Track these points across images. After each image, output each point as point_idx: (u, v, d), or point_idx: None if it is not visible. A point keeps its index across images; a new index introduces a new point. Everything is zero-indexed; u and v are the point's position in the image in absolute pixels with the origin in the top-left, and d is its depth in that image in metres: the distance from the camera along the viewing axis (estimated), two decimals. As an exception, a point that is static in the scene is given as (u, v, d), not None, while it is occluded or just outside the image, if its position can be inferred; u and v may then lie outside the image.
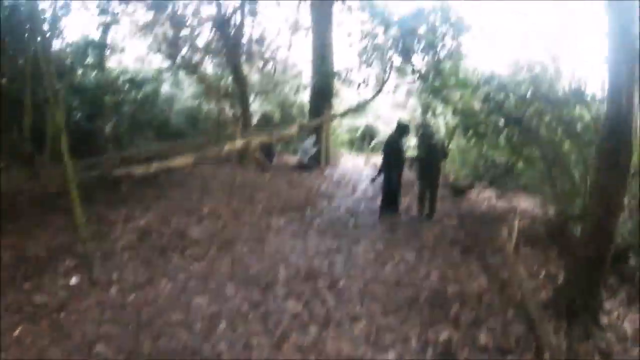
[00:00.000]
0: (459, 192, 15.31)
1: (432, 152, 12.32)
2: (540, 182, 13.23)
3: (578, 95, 10.90)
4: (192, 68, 17.61)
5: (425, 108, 16.79)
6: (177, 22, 17.17)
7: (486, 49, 16.53)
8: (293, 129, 15.43)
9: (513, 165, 14.22)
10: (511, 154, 13.80)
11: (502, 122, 12.54)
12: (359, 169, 19.32)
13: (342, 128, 23.70)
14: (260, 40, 18.57)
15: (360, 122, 25.86)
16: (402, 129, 12.75)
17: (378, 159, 21.51)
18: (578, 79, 11.28)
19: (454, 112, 14.60)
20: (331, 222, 11.67)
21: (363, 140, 26.22)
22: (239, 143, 11.69)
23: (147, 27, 17.63)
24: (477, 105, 13.58)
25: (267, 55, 18.92)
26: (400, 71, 17.85)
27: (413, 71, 16.48)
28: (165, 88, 18.98)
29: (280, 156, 19.32)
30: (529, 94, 11.69)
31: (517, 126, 12.15)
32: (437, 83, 15.20)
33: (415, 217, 12.59)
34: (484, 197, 15.25)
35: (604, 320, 7.57)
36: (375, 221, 12.14)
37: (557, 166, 11.71)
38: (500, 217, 12.68)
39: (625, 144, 7.04)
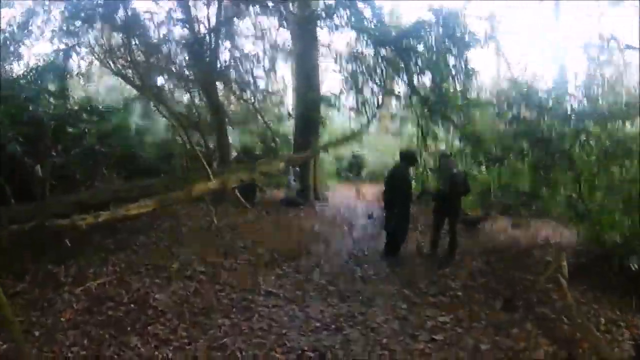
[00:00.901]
0: (471, 224, 12.61)
1: (453, 186, 9.96)
2: (569, 208, 11.02)
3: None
4: (162, 97, 14.60)
5: (425, 134, 13.96)
6: (148, 46, 14.40)
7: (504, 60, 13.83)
8: (279, 164, 12.55)
9: (535, 191, 11.51)
10: (535, 179, 11.10)
11: (526, 145, 9.77)
12: (351, 202, 16.62)
13: (327, 158, 20.83)
14: (238, 65, 15.75)
15: (347, 151, 23.18)
16: (408, 159, 10.38)
17: (370, 190, 19.08)
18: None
19: (464, 137, 11.83)
20: (334, 275, 8.83)
21: (350, 170, 23.64)
22: (213, 183, 8.83)
23: (114, 52, 14.69)
24: (494, 127, 10.92)
25: (245, 81, 16.05)
26: (395, 95, 15.07)
27: (412, 95, 13.70)
28: (136, 119, 16.01)
29: (262, 191, 16.48)
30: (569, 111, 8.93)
31: (545, 148, 9.46)
32: (439, 106, 12.49)
33: (429, 258, 10.14)
34: (500, 228, 12.71)
35: None
36: (386, 268, 9.40)
37: (594, 189, 9.86)
38: (527, 251, 10.78)
39: None
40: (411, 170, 11.15)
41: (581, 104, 8.85)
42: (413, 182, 13.16)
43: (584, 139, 9.19)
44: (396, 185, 9.92)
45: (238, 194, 10.43)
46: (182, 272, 8.26)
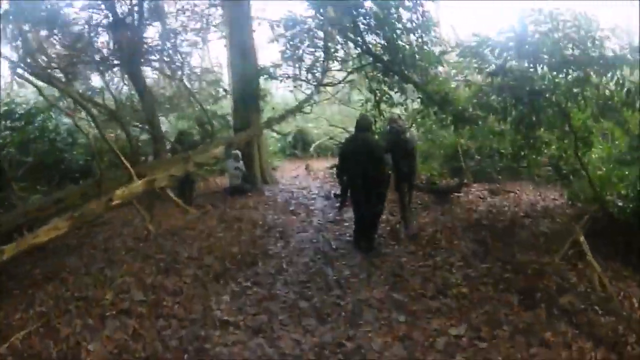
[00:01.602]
0: (442, 194, 11.04)
1: (407, 150, 8.86)
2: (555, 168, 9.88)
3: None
4: (71, 89, 12.28)
5: (378, 100, 12.11)
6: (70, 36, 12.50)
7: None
8: (216, 149, 10.51)
9: (517, 153, 9.96)
10: (516, 140, 9.53)
11: (509, 100, 8.11)
12: (303, 181, 14.80)
13: (270, 135, 18.84)
14: (166, 43, 13.63)
15: (290, 126, 21.29)
16: (365, 125, 8.26)
17: (320, 165, 17.28)
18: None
19: (426, 97, 10.11)
20: (303, 284, 6.89)
21: (295, 146, 21.76)
22: (136, 185, 6.81)
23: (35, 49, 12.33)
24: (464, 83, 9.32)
25: (175, 60, 13.94)
26: (340, 59, 13.18)
27: (362, 55, 11.82)
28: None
29: (206, 180, 14.50)
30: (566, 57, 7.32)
31: (531, 103, 7.79)
32: (395, 65, 10.68)
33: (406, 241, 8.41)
34: (476, 197, 11.09)
35: None
36: (363, 265, 7.47)
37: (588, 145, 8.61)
38: (517, 222, 9.20)
39: None
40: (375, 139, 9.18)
41: (580, 49, 7.14)
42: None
43: (578, 90, 7.56)
44: (369, 159, 7.81)
45: (171, 193, 8.42)
46: (118, 305, 6.22)
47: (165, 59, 14.23)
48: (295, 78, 13.36)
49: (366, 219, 8.08)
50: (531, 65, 7.63)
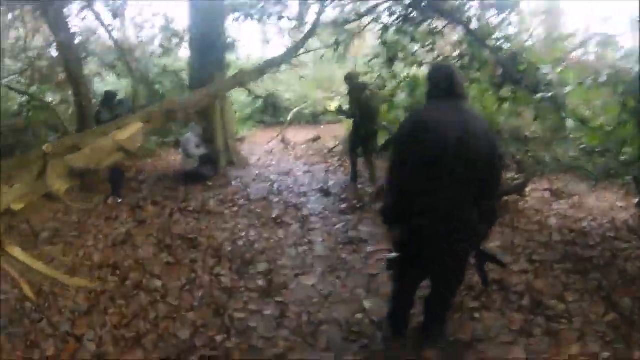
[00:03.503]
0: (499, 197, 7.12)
1: (364, 110, 7.76)
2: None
3: None
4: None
5: (392, 56, 8.21)
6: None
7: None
8: (135, 125, 6.07)
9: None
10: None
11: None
12: (282, 162, 10.97)
13: (236, 99, 14.70)
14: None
15: (257, 89, 17.02)
16: (453, 84, 2.99)
17: (298, 137, 13.50)
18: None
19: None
20: None
21: (263, 113, 17.43)
22: None
23: None
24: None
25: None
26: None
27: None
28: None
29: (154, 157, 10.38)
30: None
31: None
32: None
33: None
34: (539, 202, 7.39)
35: None
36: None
37: None
38: (616, 250, 5.27)
39: None
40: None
41: None
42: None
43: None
44: (472, 168, 2.88)
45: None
46: None
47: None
48: (280, 17, 9.26)
49: (438, 291, 3.43)
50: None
